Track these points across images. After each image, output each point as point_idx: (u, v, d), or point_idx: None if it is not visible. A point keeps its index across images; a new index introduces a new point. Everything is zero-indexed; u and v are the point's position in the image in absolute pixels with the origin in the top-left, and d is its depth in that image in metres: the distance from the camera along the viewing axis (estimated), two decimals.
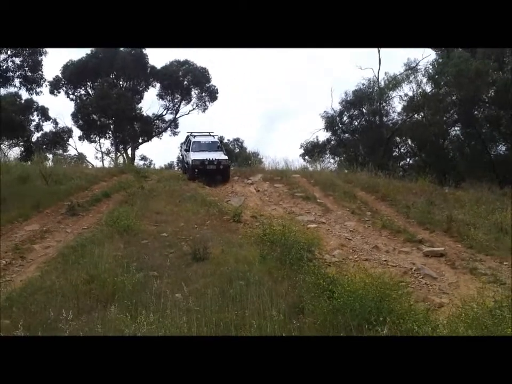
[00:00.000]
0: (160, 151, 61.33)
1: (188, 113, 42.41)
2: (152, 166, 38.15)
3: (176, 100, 42.25)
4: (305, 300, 7.37)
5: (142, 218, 12.85)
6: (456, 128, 28.42)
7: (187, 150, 22.33)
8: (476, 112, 26.16)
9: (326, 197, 17.54)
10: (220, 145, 23.00)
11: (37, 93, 31.90)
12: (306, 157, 34.40)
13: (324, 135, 34.71)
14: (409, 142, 30.69)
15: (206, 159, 20.77)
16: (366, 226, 13.88)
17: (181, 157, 26.91)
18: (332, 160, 34.63)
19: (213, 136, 23.69)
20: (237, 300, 7.17)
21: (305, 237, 10.57)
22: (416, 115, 29.14)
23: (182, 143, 30.73)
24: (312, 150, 34.34)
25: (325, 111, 32.36)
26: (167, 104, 42.28)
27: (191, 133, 23.62)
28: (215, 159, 20.91)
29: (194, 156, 21.17)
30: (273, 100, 72.64)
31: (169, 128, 42.85)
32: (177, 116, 42.62)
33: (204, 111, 42.38)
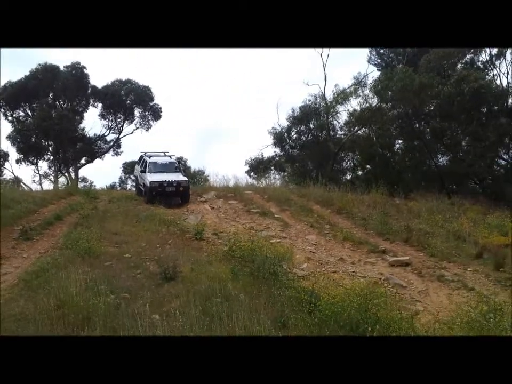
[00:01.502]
0: (100, 172, 59.71)
1: (132, 133, 41.32)
2: (93, 188, 36.97)
3: (119, 120, 41.14)
4: (286, 313, 7.29)
5: (100, 240, 12.41)
6: (399, 141, 29.24)
7: (143, 171, 21.02)
8: (417, 125, 27.05)
9: (283, 212, 17.60)
10: (177, 165, 21.93)
11: None
12: (252, 174, 34.39)
13: (271, 151, 34.86)
14: (357, 155, 31.21)
15: (165, 180, 19.70)
16: (327, 239, 13.99)
17: (134, 178, 25.72)
18: (277, 176, 34.70)
19: (170, 156, 22.56)
20: (219, 317, 7.01)
21: (275, 252, 10.52)
22: (363, 128, 29.75)
23: (126, 164, 29.74)
24: (258, 166, 34.36)
25: (273, 127, 32.54)
26: (110, 124, 41.06)
27: (145, 153, 22.55)
28: (175, 181, 19.80)
29: (152, 177, 20.02)
30: (209, 118, 72.16)
31: (111, 149, 41.82)
32: (120, 136, 41.65)
33: (147, 130, 41.44)
